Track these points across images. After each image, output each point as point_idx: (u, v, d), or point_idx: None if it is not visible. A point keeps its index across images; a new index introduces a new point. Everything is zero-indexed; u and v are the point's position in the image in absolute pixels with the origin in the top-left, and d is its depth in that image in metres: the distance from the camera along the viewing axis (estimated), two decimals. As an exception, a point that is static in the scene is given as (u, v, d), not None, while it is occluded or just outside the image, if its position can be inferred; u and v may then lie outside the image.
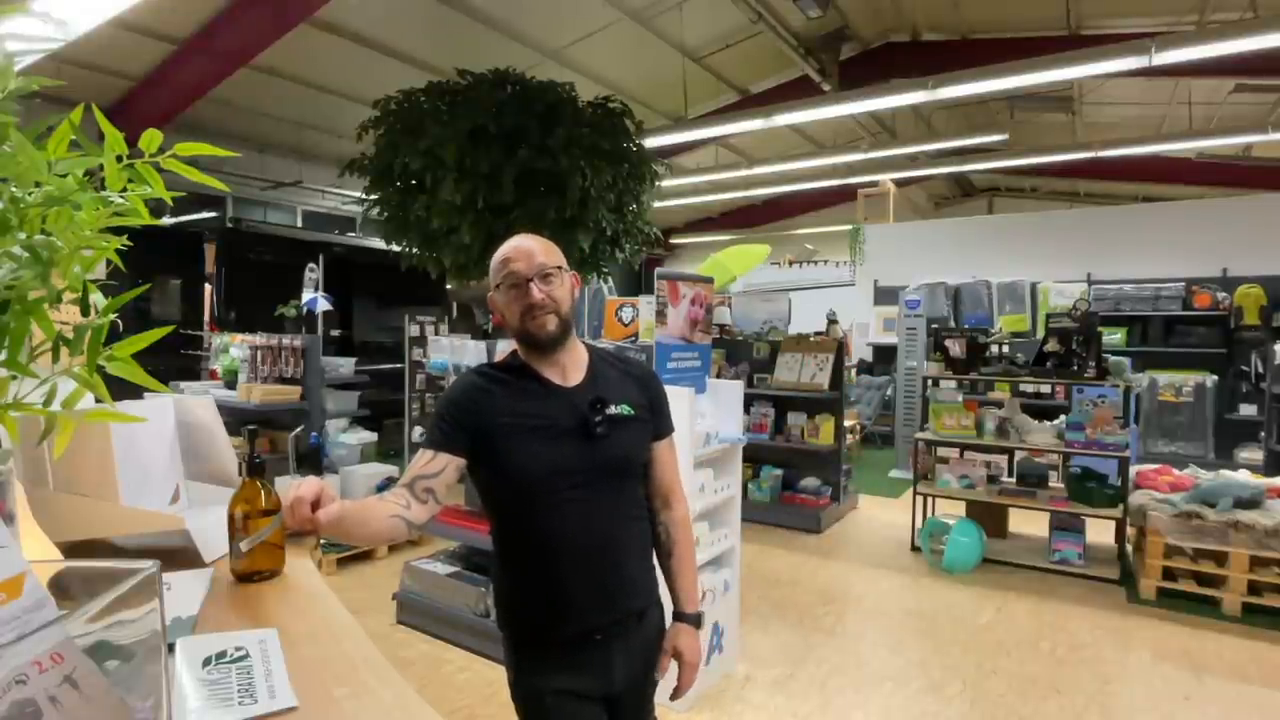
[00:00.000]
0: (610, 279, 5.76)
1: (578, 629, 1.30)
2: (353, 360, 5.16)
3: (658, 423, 1.42)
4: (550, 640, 1.31)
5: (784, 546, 4.82)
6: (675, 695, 1.42)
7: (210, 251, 6.50)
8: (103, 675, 0.57)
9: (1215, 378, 7.33)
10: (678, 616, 1.44)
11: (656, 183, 5.16)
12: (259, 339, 4.49)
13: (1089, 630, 3.54)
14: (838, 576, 4.33)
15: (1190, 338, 7.84)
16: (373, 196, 4.66)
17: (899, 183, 11.32)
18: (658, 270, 3.04)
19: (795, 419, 5.42)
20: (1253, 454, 6.70)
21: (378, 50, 6.57)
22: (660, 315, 2.90)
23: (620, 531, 1.33)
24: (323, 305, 5.36)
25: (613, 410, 1.32)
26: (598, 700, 1.34)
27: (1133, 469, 4.34)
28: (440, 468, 1.25)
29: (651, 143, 5.89)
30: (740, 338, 5.97)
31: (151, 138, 0.71)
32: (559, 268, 1.29)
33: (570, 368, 1.34)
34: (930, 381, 5.00)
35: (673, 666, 1.42)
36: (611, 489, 1.32)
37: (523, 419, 1.27)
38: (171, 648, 0.88)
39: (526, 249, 1.28)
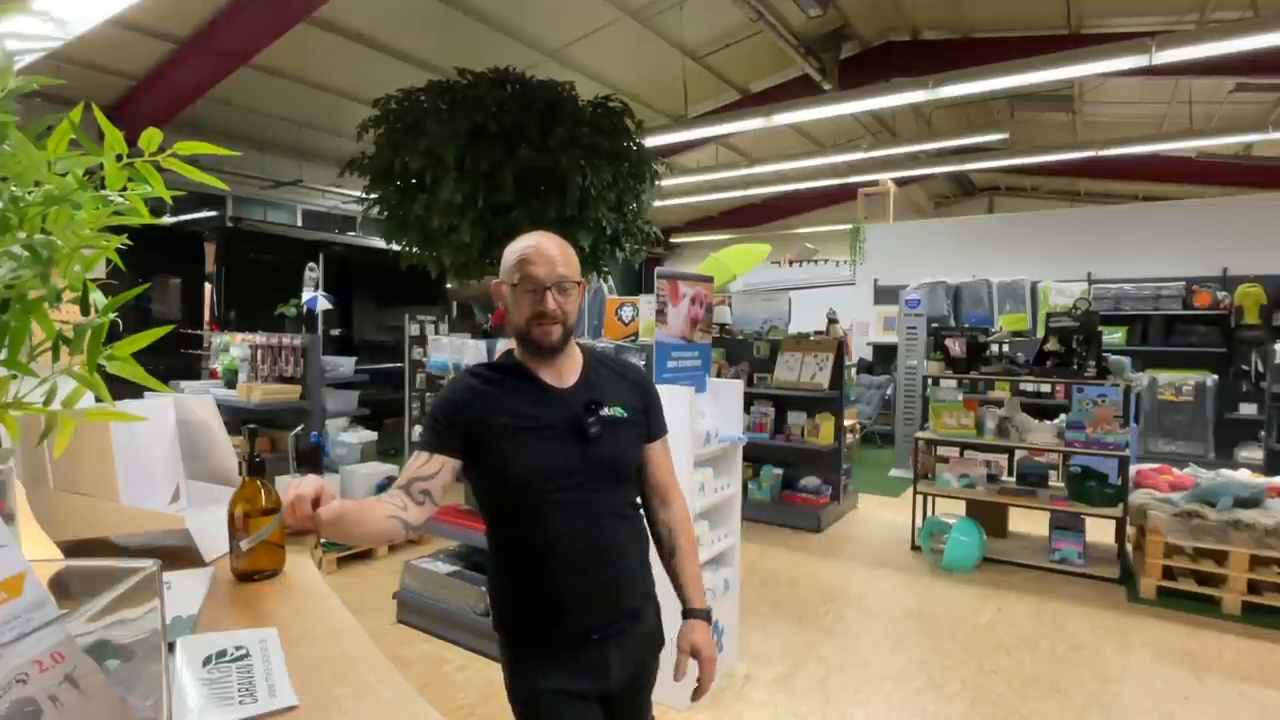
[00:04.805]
0: (610, 278, 5.76)
1: (574, 630, 1.30)
2: (353, 359, 5.16)
3: (652, 425, 1.43)
4: (547, 641, 1.31)
5: (784, 546, 4.82)
6: (697, 695, 1.39)
7: (210, 251, 6.50)
8: (103, 674, 0.57)
9: (1215, 377, 7.32)
10: (688, 614, 1.42)
11: (657, 182, 5.16)
12: (259, 338, 4.48)
13: (1089, 630, 3.54)
14: (838, 576, 4.33)
15: (1190, 337, 7.84)
16: (373, 196, 4.67)
17: (899, 182, 11.31)
18: (658, 269, 3.04)
19: (795, 418, 5.42)
20: (1253, 453, 6.71)
21: (378, 50, 6.56)
22: (660, 314, 2.90)
23: (615, 532, 1.33)
24: (323, 304, 5.36)
25: (606, 412, 1.32)
26: (595, 700, 1.34)
27: (1133, 468, 4.34)
28: (436, 469, 1.25)
29: (651, 142, 5.89)
30: (740, 337, 5.96)
31: (151, 137, 0.71)
32: (576, 283, 1.30)
33: (565, 369, 1.35)
34: (930, 381, 5.01)
35: (691, 666, 1.37)
36: (605, 490, 1.33)
37: (517, 419, 1.27)
38: (172, 647, 0.88)
39: (549, 254, 1.27)
